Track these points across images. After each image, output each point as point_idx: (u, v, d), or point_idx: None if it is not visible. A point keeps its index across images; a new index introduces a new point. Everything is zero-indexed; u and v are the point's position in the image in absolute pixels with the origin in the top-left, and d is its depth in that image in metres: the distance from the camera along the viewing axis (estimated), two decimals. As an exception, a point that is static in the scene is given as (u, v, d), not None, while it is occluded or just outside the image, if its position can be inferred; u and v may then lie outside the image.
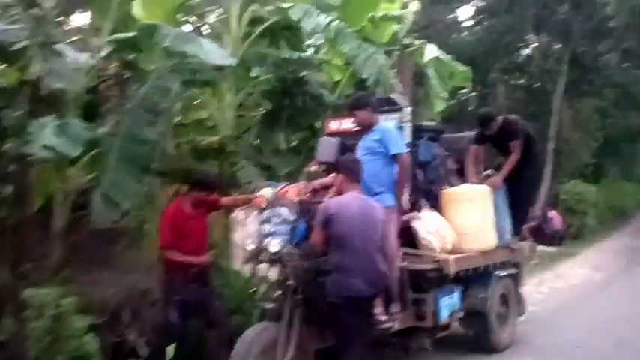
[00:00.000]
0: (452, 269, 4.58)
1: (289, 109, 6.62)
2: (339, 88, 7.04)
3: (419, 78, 7.10)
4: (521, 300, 6.02)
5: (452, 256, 4.63)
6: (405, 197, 4.42)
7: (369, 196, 4.21)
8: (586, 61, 20.26)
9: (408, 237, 4.78)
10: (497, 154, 6.03)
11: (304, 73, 6.35)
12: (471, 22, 22.68)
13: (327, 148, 4.18)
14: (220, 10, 6.26)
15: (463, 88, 8.61)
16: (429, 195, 5.34)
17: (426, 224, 4.74)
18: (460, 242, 4.99)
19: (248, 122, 6.73)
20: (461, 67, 8.14)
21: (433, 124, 5.82)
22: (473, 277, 5.15)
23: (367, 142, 4.36)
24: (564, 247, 16.12)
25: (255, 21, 6.19)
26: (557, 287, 9.68)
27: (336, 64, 6.78)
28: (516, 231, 5.77)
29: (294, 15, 5.52)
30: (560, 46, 20.09)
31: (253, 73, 6.51)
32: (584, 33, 19.01)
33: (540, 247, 15.06)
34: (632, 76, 20.71)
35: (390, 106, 4.89)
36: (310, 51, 6.97)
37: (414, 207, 4.90)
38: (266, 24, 5.92)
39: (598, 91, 20.80)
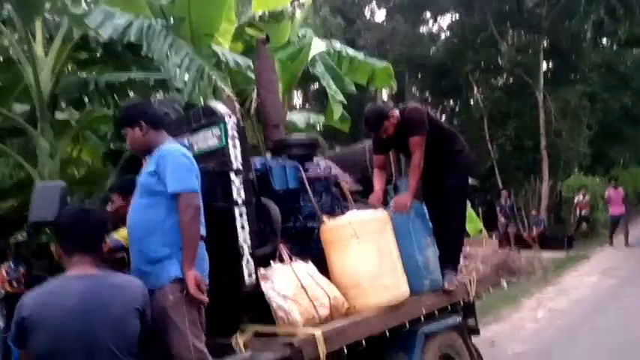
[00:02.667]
0: (321, 351, 2.92)
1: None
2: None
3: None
4: (477, 355, 4.30)
5: (318, 331, 2.97)
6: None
7: (144, 264, 2.64)
8: (563, 47, 18.83)
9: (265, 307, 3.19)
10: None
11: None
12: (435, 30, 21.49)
13: (43, 201, 2.61)
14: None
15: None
16: (303, 236, 3.76)
17: (280, 285, 3.12)
18: (349, 300, 3.38)
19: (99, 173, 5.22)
20: (379, 64, 6.61)
21: (301, 136, 4.24)
22: (384, 343, 3.52)
23: (142, 176, 2.80)
24: (574, 249, 14.31)
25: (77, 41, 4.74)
26: (558, 308, 7.89)
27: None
28: (451, 262, 4.12)
29: (90, 22, 4.08)
30: (531, 36, 18.68)
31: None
32: (554, 16, 17.59)
33: (547, 255, 13.50)
34: (615, 54, 19.18)
35: (206, 118, 3.34)
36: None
37: (266, 259, 3.30)
38: (73, 42, 4.46)
39: (584, 76, 19.22)
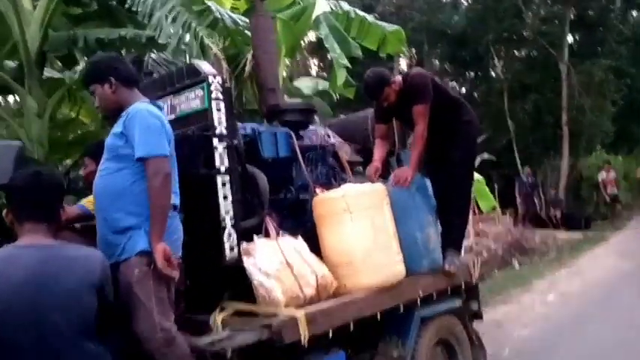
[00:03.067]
0: (302, 334, 2.69)
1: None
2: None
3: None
4: (478, 341, 4.07)
5: (300, 312, 2.74)
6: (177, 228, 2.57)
7: (110, 234, 2.42)
8: (591, 18, 18.03)
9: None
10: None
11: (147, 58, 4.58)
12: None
13: (-5, 162, 2.38)
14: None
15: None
16: (295, 209, 3.52)
17: (262, 261, 2.88)
18: (340, 279, 3.14)
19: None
20: (390, 28, 6.23)
21: (296, 101, 3.95)
22: (377, 327, 3.30)
23: (109, 137, 2.56)
24: (592, 230, 13.91)
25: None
26: (569, 291, 7.59)
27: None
28: (454, 241, 3.85)
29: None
30: (557, 5, 17.87)
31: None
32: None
33: (563, 235, 13.11)
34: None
35: (189, 78, 3.07)
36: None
37: (252, 232, 3.06)
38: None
39: (611, 49, 18.39)
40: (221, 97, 2.98)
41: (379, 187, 3.39)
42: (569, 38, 18.00)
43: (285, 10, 5.30)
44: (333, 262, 3.20)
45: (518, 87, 18.13)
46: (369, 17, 6.05)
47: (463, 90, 21.61)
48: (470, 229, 11.07)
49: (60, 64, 5.31)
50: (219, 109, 2.97)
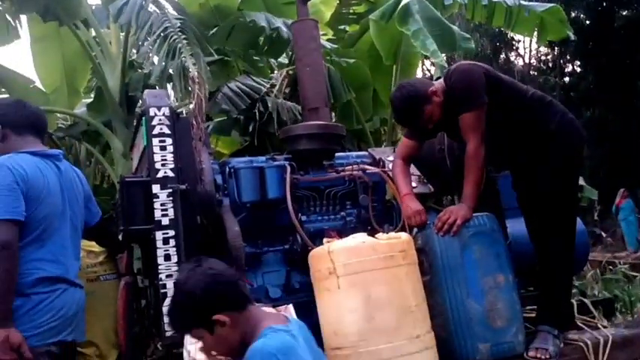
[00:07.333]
0: None
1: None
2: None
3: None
4: None
5: None
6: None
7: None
8: None
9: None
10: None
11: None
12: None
13: None
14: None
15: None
16: (306, 262, 2.72)
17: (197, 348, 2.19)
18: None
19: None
20: (542, 7, 4.75)
21: (319, 123, 3.00)
22: None
23: None
24: None
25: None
26: None
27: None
28: (550, 311, 2.54)
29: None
30: None
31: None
32: None
33: None
34: None
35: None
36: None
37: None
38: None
39: None
40: (167, 131, 2.42)
41: (389, 239, 2.36)
42: None
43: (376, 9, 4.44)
44: (326, 342, 2.33)
45: None
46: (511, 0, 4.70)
47: None
48: None
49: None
50: (163, 148, 2.41)
